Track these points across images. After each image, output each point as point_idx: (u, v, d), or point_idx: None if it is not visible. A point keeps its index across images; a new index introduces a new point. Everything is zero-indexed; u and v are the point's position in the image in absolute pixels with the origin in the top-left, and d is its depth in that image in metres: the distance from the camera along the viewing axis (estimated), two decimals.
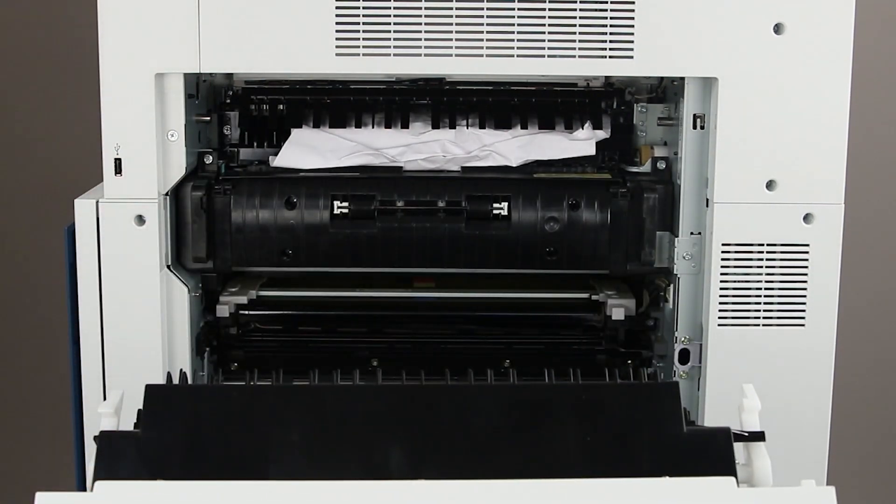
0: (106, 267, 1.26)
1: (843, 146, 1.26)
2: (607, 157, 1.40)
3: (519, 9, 1.22)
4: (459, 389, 1.08)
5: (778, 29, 1.23)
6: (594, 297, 1.41)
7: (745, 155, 1.25)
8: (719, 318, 1.28)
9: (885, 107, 2.05)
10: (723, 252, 1.27)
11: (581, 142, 1.36)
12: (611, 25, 1.23)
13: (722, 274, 1.27)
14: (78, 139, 1.95)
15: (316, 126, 1.41)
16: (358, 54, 1.23)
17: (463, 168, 1.36)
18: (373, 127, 1.39)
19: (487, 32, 1.23)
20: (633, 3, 1.22)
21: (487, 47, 1.23)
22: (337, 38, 1.23)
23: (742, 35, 1.23)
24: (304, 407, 1.06)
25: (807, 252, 1.27)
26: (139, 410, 1.05)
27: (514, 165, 1.35)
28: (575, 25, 1.23)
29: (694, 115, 1.29)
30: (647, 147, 1.38)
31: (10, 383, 2.14)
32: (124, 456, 1.02)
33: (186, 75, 1.26)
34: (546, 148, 1.36)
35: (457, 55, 1.23)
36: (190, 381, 1.26)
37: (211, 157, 1.35)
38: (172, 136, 1.26)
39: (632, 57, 1.23)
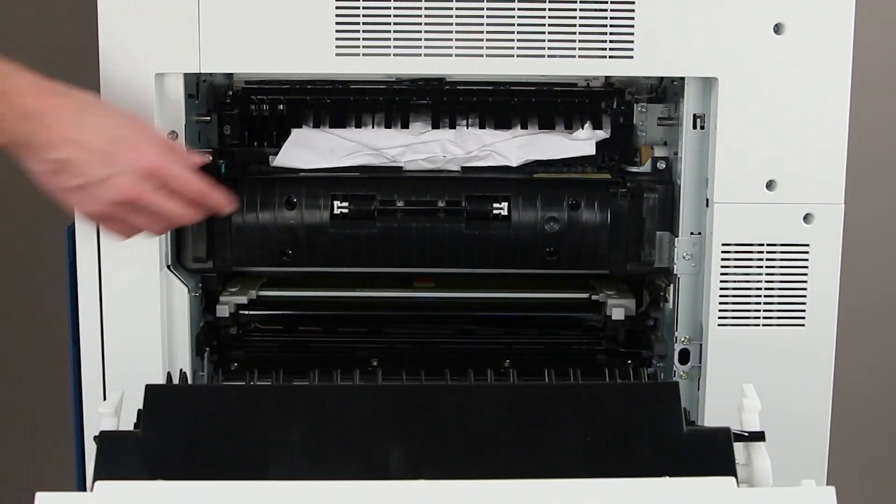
0: (106, 267, 1.26)
1: (843, 146, 1.26)
2: (607, 157, 1.40)
3: (519, 9, 1.22)
4: (459, 389, 1.08)
5: (778, 29, 1.23)
6: (594, 297, 1.41)
7: (745, 155, 1.25)
8: (719, 318, 1.28)
9: (885, 107, 2.05)
10: (723, 252, 1.27)
11: (581, 142, 1.36)
12: (611, 25, 1.23)
13: (722, 274, 1.27)
14: None
15: (316, 126, 1.40)
16: (358, 54, 1.23)
17: (463, 168, 1.36)
18: (373, 127, 1.39)
19: (487, 32, 1.23)
20: (633, 3, 1.22)
21: (487, 47, 1.23)
22: (337, 38, 1.23)
23: (742, 35, 1.23)
24: (304, 407, 1.06)
25: (807, 252, 1.27)
26: (139, 410, 1.05)
27: (515, 165, 1.35)
28: (575, 25, 1.23)
29: (694, 115, 1.29)
30: (647, 147, 1.38)
31: (10, 383, 2.14)
32: (124, 456, 1.02)
33: (186, 75, 1.26)
34: (546, 148, 1.36)
35: (457, 55, 1.23)
36: (190, 381, 1.26)
37: (211, 157, 1.35)
38: (172, 136, 1.26)
39: (632, 57, 1.23)
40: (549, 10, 1.22)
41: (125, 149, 1.12)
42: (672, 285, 1.34)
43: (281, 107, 1.41)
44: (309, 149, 1.35)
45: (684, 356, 1.32)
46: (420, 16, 1.22)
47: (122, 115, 1.15)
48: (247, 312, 1.41)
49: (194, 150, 1.32)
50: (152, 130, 1.18)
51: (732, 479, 0.98)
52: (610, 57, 1.23)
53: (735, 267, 1.27)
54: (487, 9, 1.22)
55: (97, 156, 1.10)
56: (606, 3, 1.22)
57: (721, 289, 1.27)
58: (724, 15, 1.23)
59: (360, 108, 1.40)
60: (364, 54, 1.23)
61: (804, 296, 1.28)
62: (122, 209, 1.14)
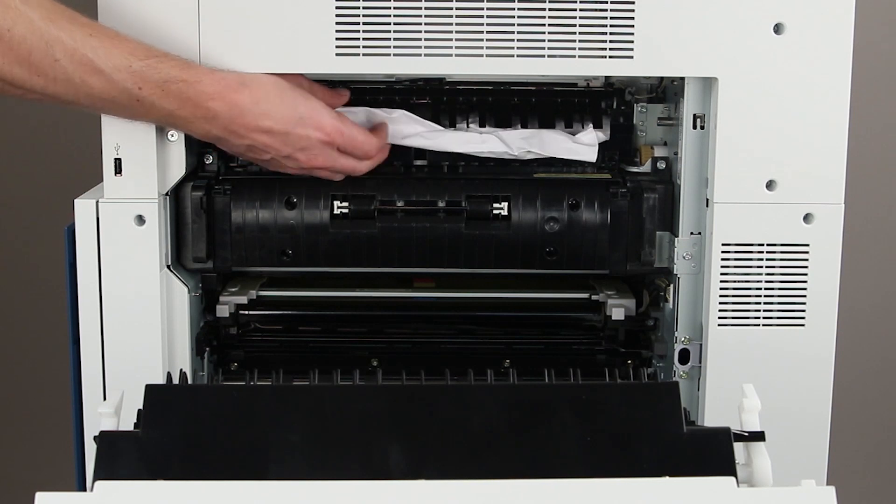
0: (106, 267, 1.26)
1: (843, 146, 1.26)
2: (607, 157, 1.40)
3: (519, 9, 1.22)
4: (459, 389, 1.08)
5: (778, 29, 1.23)
6: (594, 297, 1.41)
7: (745, 155, 1.25)
8: (719, 318, 1.28)
9: (885, 107, 2.05)
10: (723, 252, 1.27)
11: (584, 146, 1.35)
12: (611, 25, 1.23)
13: (722, 274, 1.27)
14: (78, 139, 1.95)
15: None
16: (358, 54, 1.23)
17: (463, 168, 1.36)
18: None
19: (487, 32, 1.23)
20: (633, 3, 1.22)
21: (487, 47, 1.23)
22: (337, 38, 1.23)
23: (742, 35, 1.23)
24: (304, 407, 1.06)
25: (807, 252, 1.27)
26: (139, 410, 1.05)
27: (515, 153, 1.34)
28: (575, 25, 1.23)
29: (694, 115, 1.29)
30: (647, 147, 1.38)
31: (10, 383, 2.14)
32: (124, 456, 1.02)
33: None
34: (549, 143, 1.35)
35: (457, 55, 1.23)
36: (190, 381, 1.26)
37: (211, 157, 1.35)
38: (172, 136, 1.26)
39: (632, 57, 1.23)
40: (549, 10, 1.22)
41: (305, 127, 1.23)
42: (672, 285, 1.34)
43: None
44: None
45: (684, 356, 1.32)
46: (420, 16, 1.22)
47: (294, 93, 1.24)
48: (247, 312, 1.41)
49: (194, 149, 1.33)
50: (318, 100, 1.27)
51: (732, 479, 0.98)
52: (610, 57, 1.23)
53: (735, 267, 1.27)
54: (487, 9, 1.22)
55: (281, 138, 1.23)
56: (606, 3, 1.22)
57: (721, 289, 1.28)
58: (724, 15, 1.23)
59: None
60: (364, 54, 1.23)
61: (804, 296, 1.28)
62: (308, 171, 1.28)
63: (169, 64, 1.16)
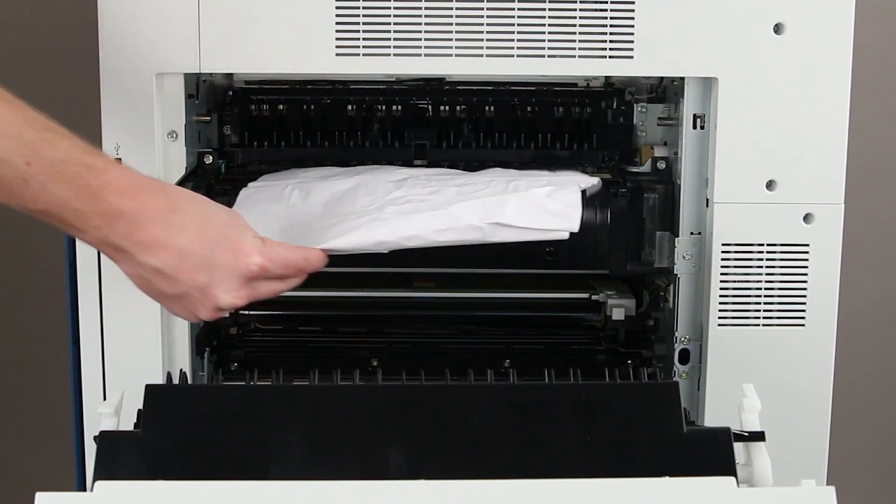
0: (106, 267, 1.26)
1: (843, 146, 1.26)
2: (607, 157, 1.40)
3: (519, 9, 1.22)
4: (459, 389, 1.08)
5: (778, 29, 1.23)
6: (594, 297, 1.41)
7: (745, 155, 1.25)
8: (719, 318, 1.28)
9: (885, 107, 2.05)
10: (723, 252, 1.27)
11: (557, 218, 1.18)
12: (611, 25, 1.23)
13: (722, 274, 1.27)
14: None
15: (313, 132, 1.40)
16: (358, 54, 1.23)
17: (462, 168, 1.35)
18: (373, 130, 1.39)
19: (487, 32, 1.23)
20: (633, 3, 1.22)
21: (487, 47, 1.23)
22: (337, 38, 1.23)
23: (742, 35, 1.23)
24: (304, 407, 1.06)
25: (807, 252, 1.27)
26: (139, 410, 1.05)
27: (472, 236, 1.18)
28: (575, 25, 1.23)
29: (694, 115, 1.29)
30: (648, 147, 1.38)
31: (10, 383, 2.14)
32: (124, 456, 1.02)
33: (186, 75, 1.26)
34: (514, 215, 1.18)
35: (457, 55, 1.23)
36: (190, 381, 1.26)
37: (211, 157, 1.34)
38: (172, 136, 1.26)
39: (632, 57, 1.23)
40: (549, 10, 1.22)
41: (224, 252, 1.03)
42: (672, 285, 1.34)
43: (281, 107, 1.41)
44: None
45: (684, 356, 1.32)
46: (420, 16, 1.22)
47: (218, 212, 1.06)
48: (247, 312, 1.40)
49: (194, 149, 1.33)
50: (244, 222, 1.08)
51: (732, 479, 0.98)
52: (610, 57, 1.23)
53: (735, 267, 1.27)
54: (487, 9, 1.22)
55: (195, 261, 1.01)
56: (606, 3, 1.22)
57: (721, 289, 1.28)
58: (724, 15, 1.23)
59: (360, 110, 1.40)
60: (364, 54, 1.23)
61: (804, 296, 1.28)
62: (224, 312, 1.08)
63: (71, 143, 0.97)
